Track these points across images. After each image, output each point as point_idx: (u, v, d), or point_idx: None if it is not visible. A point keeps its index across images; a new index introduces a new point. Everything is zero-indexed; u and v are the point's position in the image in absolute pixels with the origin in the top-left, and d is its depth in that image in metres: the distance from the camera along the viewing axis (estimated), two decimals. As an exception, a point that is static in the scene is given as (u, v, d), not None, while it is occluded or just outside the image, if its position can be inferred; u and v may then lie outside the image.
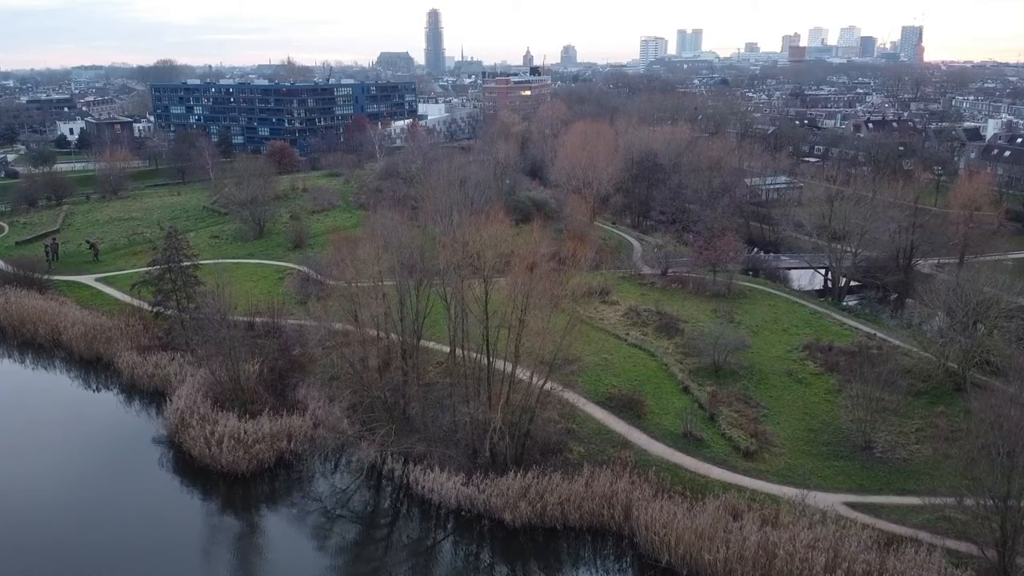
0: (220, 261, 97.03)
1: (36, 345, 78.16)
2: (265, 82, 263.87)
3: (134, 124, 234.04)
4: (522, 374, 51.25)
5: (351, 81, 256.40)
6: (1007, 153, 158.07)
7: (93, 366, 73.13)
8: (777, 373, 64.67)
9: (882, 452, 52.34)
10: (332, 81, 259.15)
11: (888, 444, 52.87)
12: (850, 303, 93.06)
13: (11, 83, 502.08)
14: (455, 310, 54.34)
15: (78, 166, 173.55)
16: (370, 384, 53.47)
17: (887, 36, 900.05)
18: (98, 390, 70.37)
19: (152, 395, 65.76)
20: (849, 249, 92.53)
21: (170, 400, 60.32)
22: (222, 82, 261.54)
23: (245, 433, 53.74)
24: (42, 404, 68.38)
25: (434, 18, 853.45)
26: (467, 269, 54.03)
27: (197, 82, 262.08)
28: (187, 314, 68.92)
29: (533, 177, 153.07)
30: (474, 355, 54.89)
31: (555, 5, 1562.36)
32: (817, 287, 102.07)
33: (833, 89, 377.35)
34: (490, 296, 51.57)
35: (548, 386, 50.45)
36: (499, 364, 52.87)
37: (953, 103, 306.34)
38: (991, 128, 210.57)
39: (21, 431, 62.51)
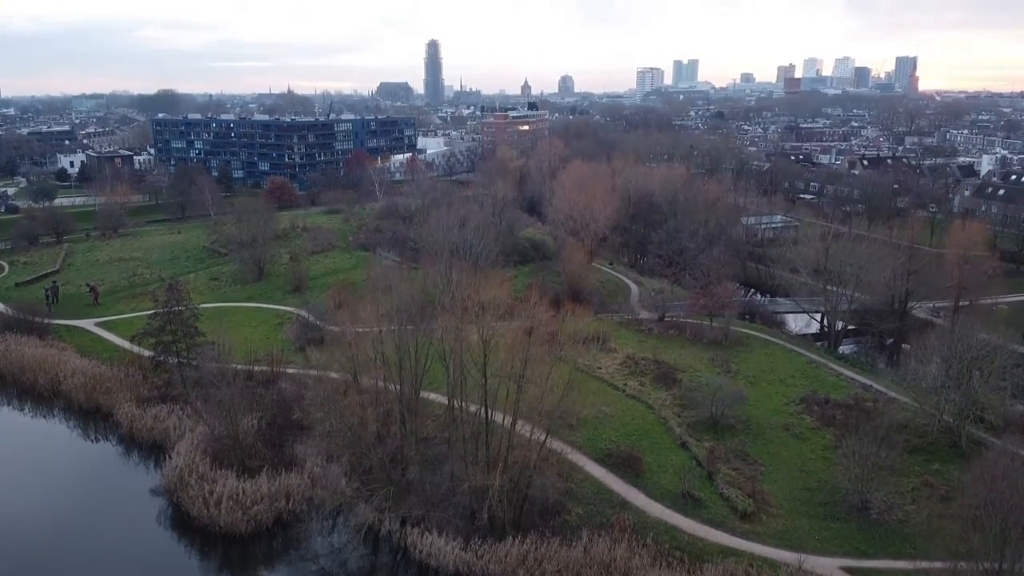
0: (220, 305, 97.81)
1: (36, 393, 78.24)
2: (265, 117, 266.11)
3: (135, 157, 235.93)
4: (521, 428, 51.52)
5: (351, 116, 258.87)
6: (1001, 191, 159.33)
7: (92, 416, 73.07)
8: (774, 427, 64.92)
9: (879, 513, 52.47)
10: (332, 116, 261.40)
11: (884, 504, 52.98)
12: (846, 349, 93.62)
13: (12, 111, 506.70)
14: (453, 368, 54.64)
15: (78, 200, 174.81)
16: (369, 447, 53.67)
17: (882, 66, 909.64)
18: (97, 441, 70.39)
19: (151, 448, 65.75)
20: (845, 293, 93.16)
21: (169, 456, 60.42)
22: (223, 117, 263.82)
23: (244, 493, 53.85)
24: (39, 454, 68.49)
25: (433, 48, 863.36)
26: (466, 319, 54.22)
27: (198, 116, 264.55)
28: (187, 368, 69.21)
29: (531, 213, 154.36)
30: (473, 408, 55.12)
31: (553, 35, 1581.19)
32: (813, 330, 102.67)
33: (828, 122, 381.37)
34: (490, 343, 51.76)
35: (547, 447, 50.71)
36: (498, 416, 53.08)
37: (948, 136, 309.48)
38: (985, 164, 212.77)
39: (17, 480, 62.57)
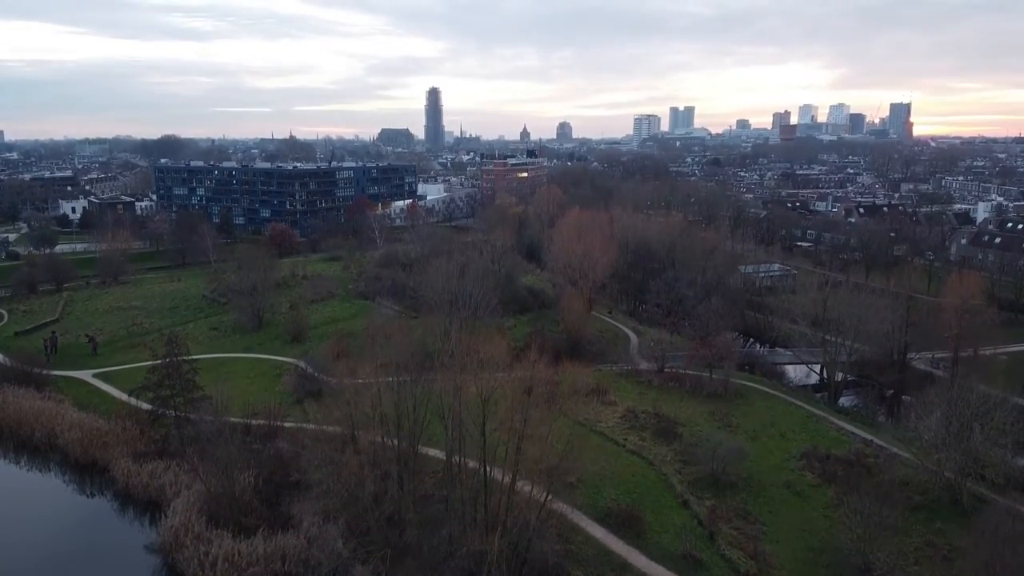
0: (218, 356, 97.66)
1: (32, 447, 77.56)
2: (267, 165, 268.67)
3: (136, 203, 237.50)
4: (521, 487, 50.96)
5: (353, 163, 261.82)
6: (998, 240, 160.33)
7: (88, 471, 72.29)
8: (776, 484, 64.38)
9: (881, 575, 51.82)
10: (334, 163, 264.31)
11: (887, 566, 52.17)
12: (846, 401, 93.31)
13: (15, 155, 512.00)
14: (452, 426, 54.33)
15: (79, 247, 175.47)
16: (366, 508, 53.20)
17: (876, 112, 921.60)
18: (92, 496, 69.61)
19: (146, 505, 65.01)
20: (844, 344, 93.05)
21: (165, 514, 59.76)
22: (225, 164, 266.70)
23: (239, 555, 53.12)
24: (34, 509, 67.85)
25: (434, 96, 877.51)
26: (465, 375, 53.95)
27: (200, 163, 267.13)
28: (185, 424, 68.87)
29: (530, 259, 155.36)
30: (472, 465, 54.54)
31: (551, 82, 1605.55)
32: (813, 381, 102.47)
33: (824, 168, 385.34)
34: (488, 401, 51.31)
35: (546, 509, 50.20)
36: (498, 474, 52.38)
37: (943, 183, 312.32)
38: (981, 211, 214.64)
39: (10, 535, 62.00)
